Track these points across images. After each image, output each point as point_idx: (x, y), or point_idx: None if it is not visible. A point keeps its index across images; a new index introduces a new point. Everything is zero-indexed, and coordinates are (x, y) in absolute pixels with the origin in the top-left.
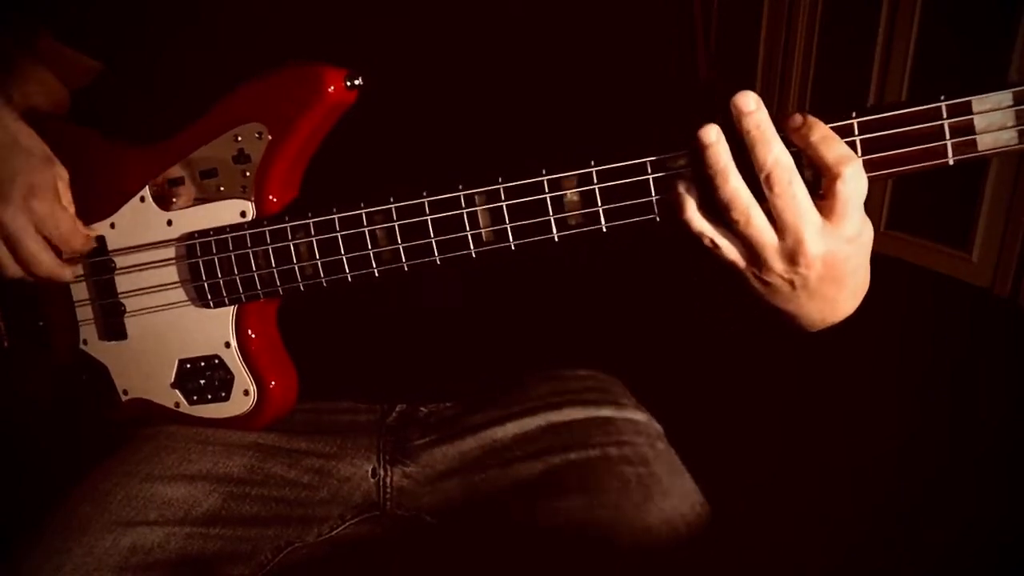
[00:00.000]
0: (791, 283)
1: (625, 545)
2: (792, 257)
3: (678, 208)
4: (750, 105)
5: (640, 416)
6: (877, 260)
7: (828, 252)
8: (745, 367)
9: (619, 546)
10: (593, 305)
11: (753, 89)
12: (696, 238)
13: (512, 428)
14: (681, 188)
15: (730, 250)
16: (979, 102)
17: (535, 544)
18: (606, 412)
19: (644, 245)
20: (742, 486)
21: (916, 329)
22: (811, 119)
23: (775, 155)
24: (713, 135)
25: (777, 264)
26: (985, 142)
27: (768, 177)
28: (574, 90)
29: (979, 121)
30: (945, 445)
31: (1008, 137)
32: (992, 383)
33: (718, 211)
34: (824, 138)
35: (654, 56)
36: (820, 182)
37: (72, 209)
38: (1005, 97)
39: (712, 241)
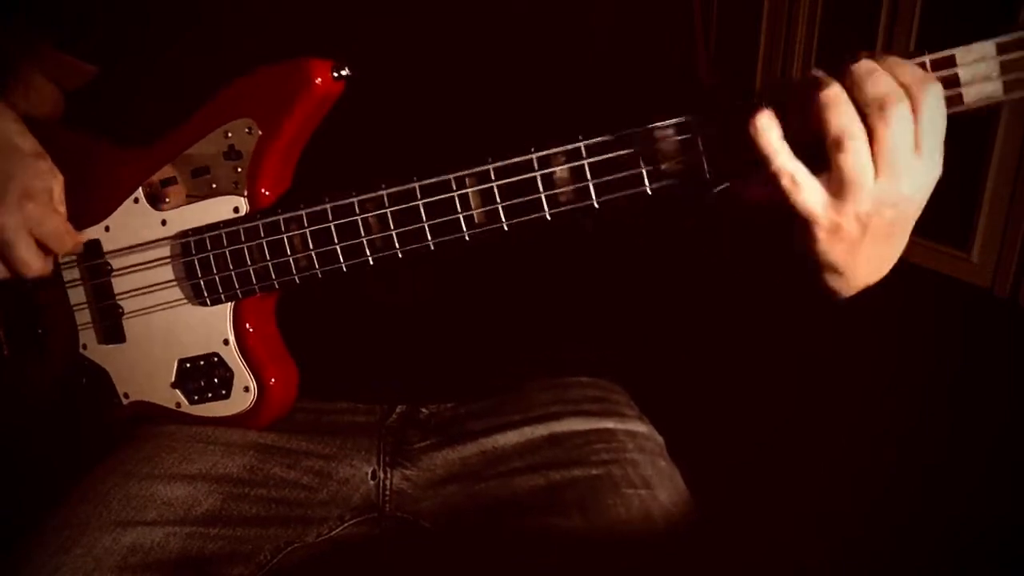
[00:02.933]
0: (864, 227)
1: (623, 565)
2: (882, 197)
3: (760, 141)
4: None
5: (642, 428)
6: None
7: (913, 193)
8: (745, 371)
9: (617, 566)
10: (595, 304)
11: (752, 89)
12: (773, 176)
13: (513, 437)
14: (762, 123)
15: (813, 190)
16: (962, 54)
17: (531, 558)
18: (608, 424)
19: (648, 238)
20: (742, 484)
21: (916, 329)
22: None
23: (885, 87)
24: (822, 72)
25: (864, 205)
26: (971, 94)
27: (882, 106)
28: (573, 89)
29: (963, 73)
30: (945, 445)
31: (993, 88)
32: (992, 383)
33: (814, 145)
34: (897, 63)
35: (653, 55)
36: None
37: (64, 211)
38: (988, 48)
39: (792, 179)
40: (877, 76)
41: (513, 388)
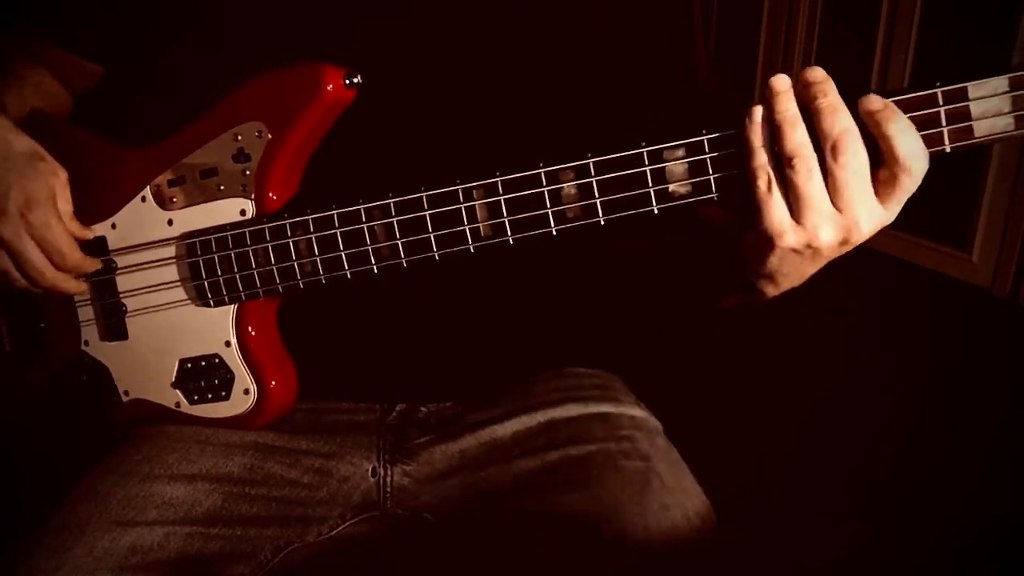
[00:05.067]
0: (815, 250)
1: (626, 539)
2: (849, 233)
3: (745, 145)
4: (818, 75)
5: (639, 412)
6: (878, 260)
7: (869, 232)
8: (745, 365)
9: (620, 540)
10: (592, 303)
11: (753, 88)
12: (751, 179)
13: (512, 426)
14: (754, 116)
15: (779, 202)
16: (975, 88)
17: (535, 541)
18: (605, 408)
19: (642, 243)
20: (741, 484)
21: (916, 329)
22: (891, 105)
23: (843, 125)
24: (785, 84)
25: (824, 232)
26: (982, 128)
27: (835, 146)
28: (573, 90)
29: (975, 107)
30: (945, 445)
31: (1004, 123)
32: (992, 383)
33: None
34: (901, 130)
35: (654, 56)
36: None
37: (70, 208)
38: (1001, 83)
39: (768, 185)
40: (840, 113)
41: (511, 382)
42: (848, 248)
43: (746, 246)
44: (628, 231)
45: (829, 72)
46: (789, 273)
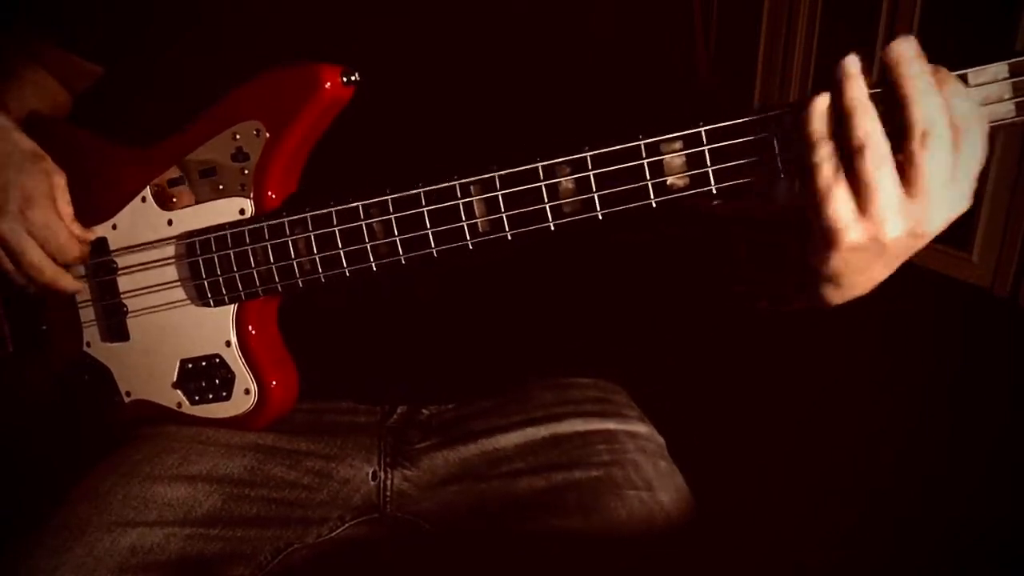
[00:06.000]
0: (882, 245)
1: (625, 566)
2: (918, 224)
3: (804, 139)
4: (911, 50)
5: (643, 429)
6: None
7: (941, 225)
8: (744, 364)
9: (618, 567)
10: (595, 301)
11: (752, 89)
12: (812, 173)
13: (515, 438)
14: (818, 107)
15: (842, 198)
16: (975, 75)
17: (532, 558)
18: (609, 425)
19: (646, 242)
20: (741, 483)
21: (916, 329)
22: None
23: (930, 113)
24: (857, 66)
25: (892, 224)
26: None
27: (925, 133)
28: (573, 90)
29: (976, 94)
30: (945, 445)
31: (1005, 110)
32: (992, 383)
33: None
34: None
35: (654, 56)
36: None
37: (70, 210)
38: (1001, 69)
39: (832, 178)
40: (929, 98)
41: (514, 389)
42: (919, 243)
43: (806, 249)
44: (627, 226)
45: (829, 73)
46: (854, 277)
